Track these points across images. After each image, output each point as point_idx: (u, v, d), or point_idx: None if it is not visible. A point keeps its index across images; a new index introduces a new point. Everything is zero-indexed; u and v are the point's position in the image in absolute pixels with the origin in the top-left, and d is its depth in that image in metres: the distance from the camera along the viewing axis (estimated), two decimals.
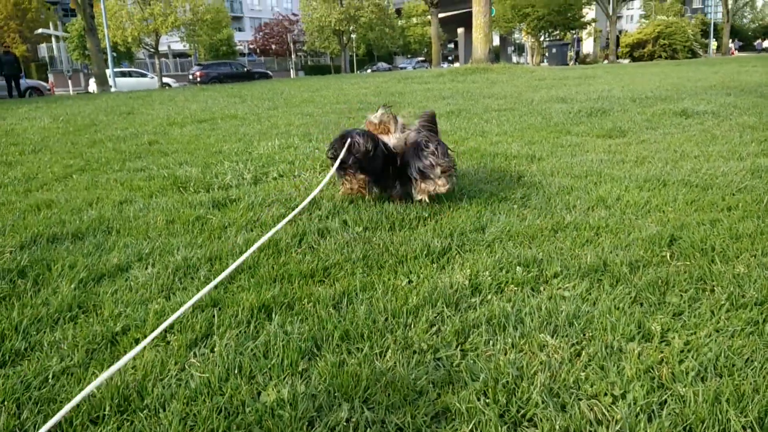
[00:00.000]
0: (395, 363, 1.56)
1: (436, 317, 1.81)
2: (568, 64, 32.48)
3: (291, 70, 50.09)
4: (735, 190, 3.01)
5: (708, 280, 1.98)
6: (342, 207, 2.95)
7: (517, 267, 2.09)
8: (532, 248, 2.33)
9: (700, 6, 71.84)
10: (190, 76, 32.84)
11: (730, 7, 38.68)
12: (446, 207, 2.88)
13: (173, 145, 5.22)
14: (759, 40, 56.43)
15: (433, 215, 2.78)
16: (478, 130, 5.27)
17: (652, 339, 1.66)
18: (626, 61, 36.20)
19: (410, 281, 2.07)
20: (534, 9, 36.65)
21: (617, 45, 37.77)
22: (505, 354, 1.61)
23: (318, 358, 1.58)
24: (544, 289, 1.97)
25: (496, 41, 65.28)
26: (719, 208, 2.74)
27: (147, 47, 30.23)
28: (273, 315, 1.81)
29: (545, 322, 1.75)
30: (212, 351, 1.63)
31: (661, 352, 1.59)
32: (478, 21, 14.19)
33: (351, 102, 8.39)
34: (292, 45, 50.63)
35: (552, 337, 1.68)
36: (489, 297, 1.93)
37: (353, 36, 44.87)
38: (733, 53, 41.64)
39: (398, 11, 55.73)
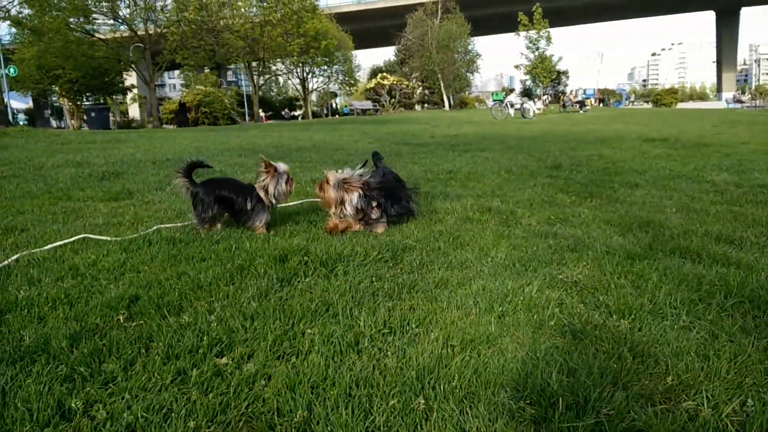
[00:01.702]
0: None
1: None
2: (110, 128, 31.46)
3: None
4: (214, 242, 3.19)
5: (155, 336, 1.95)
6: None
7: None
8: None
9: (234, 79, 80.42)
10: None
11: (257, 81, 44.24)
12: None
13: None
14: (286, 110, 66.24)
15: None
16: None
17: (72, 418, 1.49)
18: (172, 126, 37.33)
19: None
20: (65, 71, 34.16)
21: (184, 110, 37.86)
22: None
23: None
24: None
25: (30, 104, 58.48)
26: (195, 260, 2.83)
27: None
28: None
29: None
30: None
31: (78, 430, 1.43)
32: None
33: None
34: None
35: None
36: None
37: None
38: (264, 120, 47.70)
39: None
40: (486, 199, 4.49)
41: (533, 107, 26.81)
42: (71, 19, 31.45)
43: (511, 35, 52.26)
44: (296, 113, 63.69)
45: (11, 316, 2.14)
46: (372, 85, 58.65)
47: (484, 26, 55.87)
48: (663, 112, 32.94)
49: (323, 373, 1.71)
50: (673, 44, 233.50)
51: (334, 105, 62.97)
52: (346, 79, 55.43)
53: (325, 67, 51.26)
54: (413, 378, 1.67)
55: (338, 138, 12.99)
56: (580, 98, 36.10)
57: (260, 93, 48.04)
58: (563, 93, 48.67)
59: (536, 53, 47.53)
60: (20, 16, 30.06)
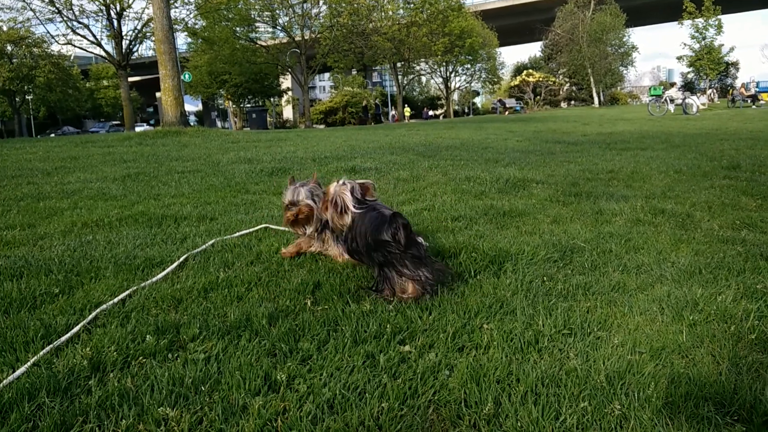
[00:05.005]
0: None
1: (33, 412, 1.51)
2: (268, 128, 33.94)
3: None
4: None
5: (341, 320, 2.08)
6: None
7: (147, 336, 1.91)
8: (176, 313, 2.18)
9: (379, 80, 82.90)
10: None
11: (401, 82, 45.22)
12: (86, 278, 2.56)
13: None
14: (426, 109, 66.99)
15: (68, 289, 2.43)
16: (152, 194, 4.96)
17: (278, 389, 1.63)
18: (321, 126, 39.47)
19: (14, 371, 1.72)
20: (231, 76, 37.55)
21: (367, 112, 39.49)
22: None
23: None
24: (178, 356, 1.82)
25: (200, 106, 64.92)
26: None
27: None
28: None
29: (169, 393, 1.60)
30: None
31: (284, 401, 1.57)
32: (166, 84, 13.84)
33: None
34: None
35: (173, 408, 1.53)
36: (110, 375, 1.70)
37: (29, 98, 39.64)
38: (406, 120, 48.66)
39: (85, 72, 51.37)
40: (657, 201, 4.20)
41: (697, 102, 24.51)
42: (237, 29, 34.43)
43: (671, 25, 48.29)
44: (437, 112, 64.02)
45: (214, 294, 2.39)
46: (516, 82, 57.29)
47: (642, 16, 52.06)
48: None
49: (506, 368, 1.71)
50: None
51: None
52: (489, 77, 54.67)
53: (468, 66, 50.94)
54: (603, 382, 1.62)
55: (484, 137, 12.85)
56: (753, 92, 32.24)
57: (404, 93, 48.91)
58: (732, 86, 43.86)
59: (702, 43, 43.42)
60: (195, 27, 33.48)
